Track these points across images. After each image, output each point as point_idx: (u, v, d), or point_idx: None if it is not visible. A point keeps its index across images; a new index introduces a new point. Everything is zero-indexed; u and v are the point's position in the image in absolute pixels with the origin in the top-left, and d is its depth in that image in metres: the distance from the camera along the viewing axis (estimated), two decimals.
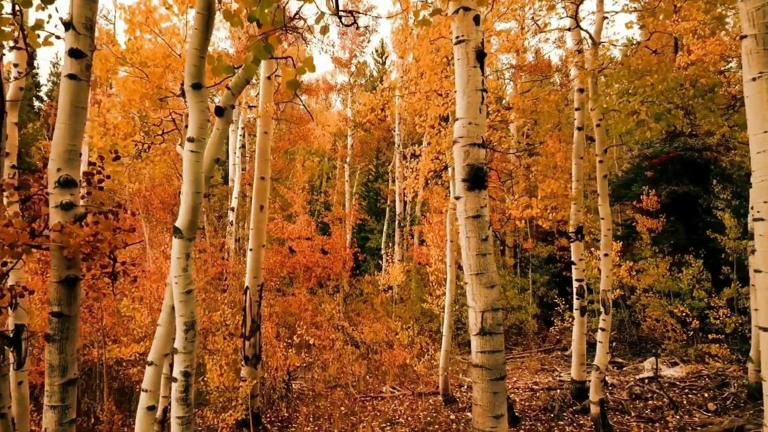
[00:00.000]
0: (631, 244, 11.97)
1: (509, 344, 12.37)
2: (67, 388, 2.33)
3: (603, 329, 6.35)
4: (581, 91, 7.50)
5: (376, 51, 29.21)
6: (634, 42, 7.51)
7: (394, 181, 20.44)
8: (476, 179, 3.52)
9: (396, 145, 18.77)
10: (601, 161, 6.30)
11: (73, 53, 2.38)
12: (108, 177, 2.60)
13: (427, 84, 6.02)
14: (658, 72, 4.74)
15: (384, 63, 28.50)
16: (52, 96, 24.49)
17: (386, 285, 12.38)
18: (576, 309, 7.33)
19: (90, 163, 2.52)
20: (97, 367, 7.14)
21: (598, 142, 6.30)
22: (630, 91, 4.86)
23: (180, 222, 2.18)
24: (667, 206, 11.34)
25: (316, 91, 23.15)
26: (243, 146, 18.28)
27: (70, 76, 2.37)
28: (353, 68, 22.94)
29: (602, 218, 6.27)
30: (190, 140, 2.20)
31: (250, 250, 6.55)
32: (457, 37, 3.62)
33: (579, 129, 7.36)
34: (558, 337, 11.77)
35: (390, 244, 18.59)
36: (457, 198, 3.67)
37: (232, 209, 14.64)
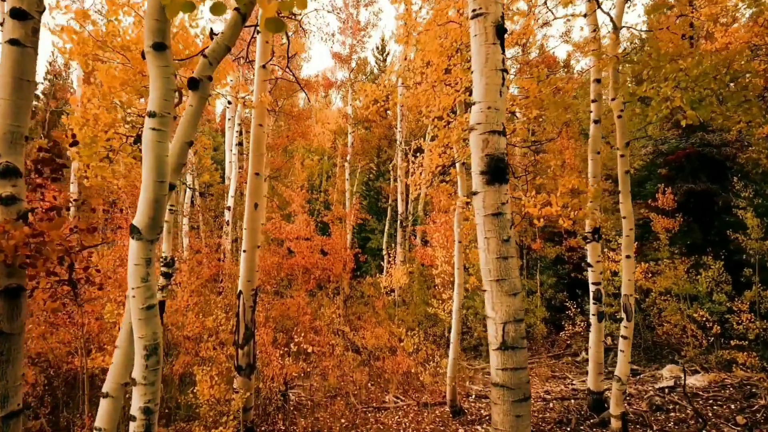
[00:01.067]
0: (644, 245, 11.55)
1: None
2: (8, 422, 1.92)
3: (625, 337, 5.94)
4: (598, 81, 7.09)
5: (377, 48, 28.82)
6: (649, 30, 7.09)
7: (395, 180, 20.05)
8: (496, 172, 3.11)
9: (398, 143, 18.37)
10: (622, 155, 5.89)
11: (16, 14, 1.97)
12: (65, 166, 2.19)
13: (434, 72, 5.60)
14: (692, 55, 4.32)
15: (385, 60, 28.09)
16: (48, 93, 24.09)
17: (388, 287, 11.97)
18: (593, 314, 6.92)
19: (40, 148, 2.10)
20: (80, 377, 6.73)
21: (620, 134, 5.89)
22: (655, 78, 4.45)
23: (138, 219, 1.77)
24: (681, 205, 10.92)
25: (315, 87, 22.74)
26: (240, 143, 17.87)
27: (12, 42, 1.96)
28: (353, 64, 22.55)
29: (624, 217, 5.86)
30: (151, 115, 1.79)
31: (244, 251, 6.13)
32: (473, 11, 3.22)
33: (596, 122, 6.95)
34: (568, 341, 11.36)
35: (392, 245, 18.17)
36: (473, 194, 3.26)
37: (229, 208, 14.23)
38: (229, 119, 15.91)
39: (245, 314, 6.09)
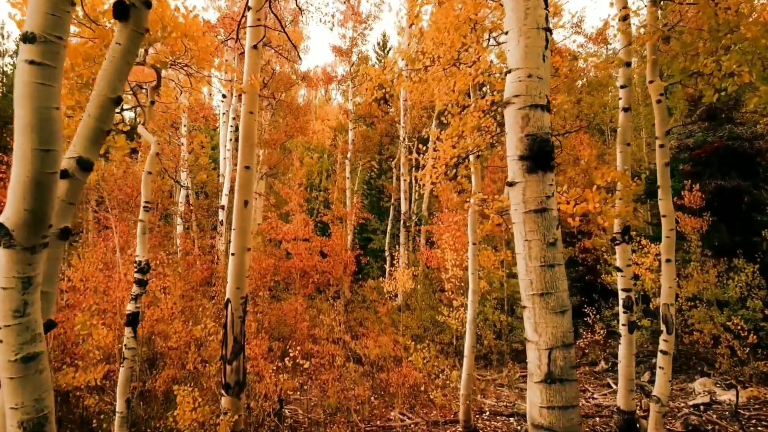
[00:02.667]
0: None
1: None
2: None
3: (665, 352, 5.31)
4: (627, 65, 6.47)
5: (378, 44, 28.21)
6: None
7: (398, 178, 19.44)
8: (540, 156, 2.48)
9: (401, 139, 17.76)
10: (662, 145, 5.26)
11: None
12: None
13: (448, 51, 4.98)
14: (755, 23, 3.69)
15: (387, 56, 27.46)
16: None
17: (393, 292, 11.34)
18: (623, 324, 6.28)
19: None
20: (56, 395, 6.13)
21: (659, 121, 5.26)
22: (712, 51, 3.84)
23: (8, 213, 1.15)
24: (708, 203, 10.27)
25: (315, 82, 22.13)
26: (235, 140, 17.28)
27: None
28: (354, 57, 21.94)
29: (664, 216, 5.24)
30: (28, 39, 1.16)
31: (232, 254, 5.51)
32: None
33: (625, 110, 6.32)
34: (585, 350, 10.73)
35: (395, 246, 17.57)
36: (510, 184, 2.63)
37: (222, 207, 13.62)
38: (223, 113, 15.32)
39: (234, 326, 5.47)
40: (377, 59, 28.28)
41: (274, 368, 6.16)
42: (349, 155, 20.62)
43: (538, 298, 2.50)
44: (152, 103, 4.91)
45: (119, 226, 10.08)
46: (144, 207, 4.53)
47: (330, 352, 8.68)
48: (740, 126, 10.04)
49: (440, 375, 7.69)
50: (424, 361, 7.20)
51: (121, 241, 8.64)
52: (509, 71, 2.64)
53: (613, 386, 8.79)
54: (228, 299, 5.51)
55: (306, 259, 11.04)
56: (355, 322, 12.15)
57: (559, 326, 2.46)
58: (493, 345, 10.78)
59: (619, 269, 6.29)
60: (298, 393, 8.35)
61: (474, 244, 6.26)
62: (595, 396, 8.48)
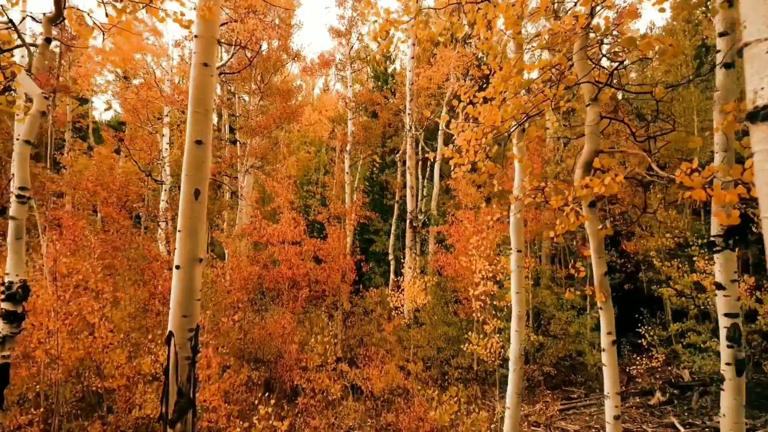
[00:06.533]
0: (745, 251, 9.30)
1: (566, 386, 9.70)
2: None
3: None
4: (730, 3, 4.86)
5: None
6: None
7: (404, 173, 17.86)
8: None
9: (407, 127, 16.17)
10: None
11: None
12: None
13: None
14: None
15: (388, 46, 25.83)
16: None
17: (400, 309, 9.72)
18: (727, 363, 4.65)
19: None
20: None
21: None
22: None
23: None
24: None
25: (311, 67, 20.53)
26: (218, 130, 15.80)
27: None
28: (354, 39, 20.36)
29: None
30: None
31: (176, 267, 3.93)
32: None
33: (727, 66, 4.71)
34: (637, 378, 9.09)
35: (400, 248, 15.95)
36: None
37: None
38: None
39: (178, 371, 3.88)
40: (378, 48, 26.64)
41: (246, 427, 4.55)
42: (348, 148, 19.04)
43: None
44: (47, 41, 3.32)
45: (71, 226, 8.50)
46: (18, 197, 2.94)
47: (324, 384, 7.10)
48: None
49: (466, 418, 6.07)
50: (452, 417, 5.57)
51: (62, 247, 6.98)
52: None
53: (681, 429, 7.18)
54: (170, 333, 3.92)
55: (296, 266, 9.44)
56: (354, 340, 10.56)
57: None
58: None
59: (720, 285, 4.68)
60: None
61: (519, 251, 4.66)
62: None
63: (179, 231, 3.98)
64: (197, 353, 4.05)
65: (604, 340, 3.91)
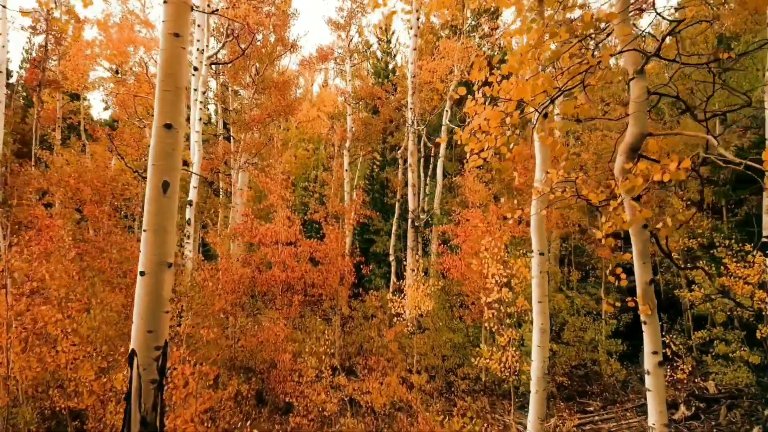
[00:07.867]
0: None
1: (580, 397, 9.11)
2: None
3: None
4: None
5: (380, 27, 25.93)
6: None
7: (405, 171, 17.30)
8: None
9: (408, 123, 15.61)
10: None
11: None
12: None
13: None
14: None
15: (389, 41, 25.20)
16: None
17: (402, 315, 9.13)
18: None
19: None
20: None
21: None
22: None
23: None
24: None
25: (309, 61, 19.97)
26: (208, 122, 15.15)
27: None
28: (353, 31, 19.76)
29: None
30: None
31: (141, 274, 3.36)
32: None
33: None
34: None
35: (402, 249, 15.38)
36: None
37: (190, 204, 11.46)
38: (194, 90, 13.22)
39: (141, 397, 3.30)
40: (378, 44, 25.99)
41: None
42: (347, 144, 18.48)
43: None
44: None
45: (47, 226, 7.94)
46: None
47: (320, 399, 6.53)
48: None
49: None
50: None
51: (35, 249, 6.36)
52: None
53: None
54: (132, 351, 3.33)
55: (291, 268, 8.86)
56: (353, 347, 9.99)
57: None
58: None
59: None
60: None
61: (541, 254, 4.08)
62: None
63: (144, 230, 3.40)
64: (165, 375, 3.47)
65: (649, 361, 3.33)
